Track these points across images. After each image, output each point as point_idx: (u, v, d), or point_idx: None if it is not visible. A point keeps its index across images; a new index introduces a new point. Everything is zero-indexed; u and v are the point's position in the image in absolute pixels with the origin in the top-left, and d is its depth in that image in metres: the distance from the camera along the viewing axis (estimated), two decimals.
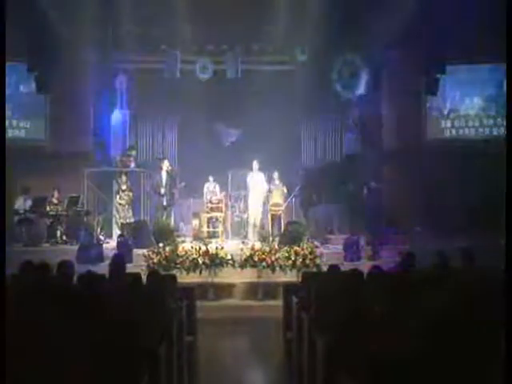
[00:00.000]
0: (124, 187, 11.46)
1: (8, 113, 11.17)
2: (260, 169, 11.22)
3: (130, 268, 7.54)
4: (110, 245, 10.33)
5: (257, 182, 11.13)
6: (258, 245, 9.70)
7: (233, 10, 10.92)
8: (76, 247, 9.62)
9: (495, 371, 2.79)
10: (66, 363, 3.04)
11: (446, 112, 12.83)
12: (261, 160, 11.22)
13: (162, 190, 11.06)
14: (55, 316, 3.37)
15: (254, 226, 11.03)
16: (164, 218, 11.01)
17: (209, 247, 9.13)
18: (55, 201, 10.98)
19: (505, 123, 12.35)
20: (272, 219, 11.22)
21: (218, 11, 11.02)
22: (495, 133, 12.58)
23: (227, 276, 8.88)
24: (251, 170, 11.22)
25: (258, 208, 11.13)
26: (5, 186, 6.39)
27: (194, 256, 8.88)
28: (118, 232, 10.94)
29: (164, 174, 11.19)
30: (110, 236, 11.31)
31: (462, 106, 12.76)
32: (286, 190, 11.23)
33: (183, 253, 8.99)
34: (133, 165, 11.97)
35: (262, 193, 11.18)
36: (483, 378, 2.85)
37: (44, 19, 10.33)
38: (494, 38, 10.56)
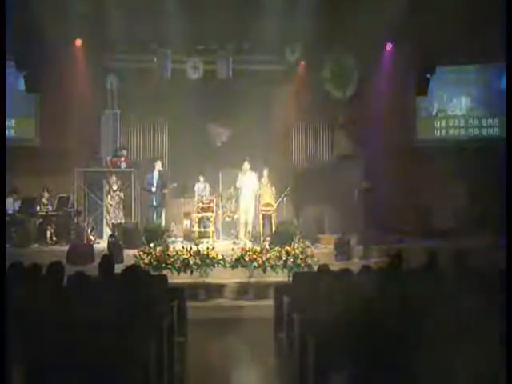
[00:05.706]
0: (115, 187, 11.43)
1: None
2: (251, 168, 11.14)
3: (121, 268, 7.53)
4: (101, 245, 10.29)
5: (248, 182, 11.06)
6: (249, 245, 9.69)
7: (223, 9, 10.89)
8: (66, 248, 9.56)
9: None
10: (57, 363, 3.03)
11: (434, 112, 12.89)
12: (251, 160, 11.15)
13: (153, 189, 11.05)
14: (45, 316, 3.36)
15: (245, 225, 11.01)
16: (155, 218, 10.98)
17: (200, 247, 9.11)
18: (45, 201, 10.91)
19: (493, 123, 12.47)
20: (263, 219, 11.20)
21: (209, 10, 10.99)
22: (484, 133, 12.65)
23: (218, 276, 8.86)
24: (242, 169, 11.09)
25: (249, 208, 11.04)
26: (4, 186, 6.32)
27: (185, 256, 8.86)
28: (109, 232, 10.89)
29: (156, 174, 11.19)
30: (100, 236, 11.25)
31: (450, 106, 12.83)
32: (274, 190, 11.17)
33: (174, 253, 8.96)
34: (123, 165, 11.93)
35: (253, 193, 11.12)
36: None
37: (33, 17, 10.25)
38: (482, 38, 10.68)
